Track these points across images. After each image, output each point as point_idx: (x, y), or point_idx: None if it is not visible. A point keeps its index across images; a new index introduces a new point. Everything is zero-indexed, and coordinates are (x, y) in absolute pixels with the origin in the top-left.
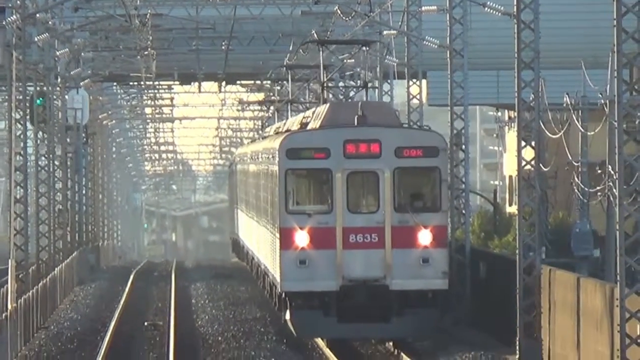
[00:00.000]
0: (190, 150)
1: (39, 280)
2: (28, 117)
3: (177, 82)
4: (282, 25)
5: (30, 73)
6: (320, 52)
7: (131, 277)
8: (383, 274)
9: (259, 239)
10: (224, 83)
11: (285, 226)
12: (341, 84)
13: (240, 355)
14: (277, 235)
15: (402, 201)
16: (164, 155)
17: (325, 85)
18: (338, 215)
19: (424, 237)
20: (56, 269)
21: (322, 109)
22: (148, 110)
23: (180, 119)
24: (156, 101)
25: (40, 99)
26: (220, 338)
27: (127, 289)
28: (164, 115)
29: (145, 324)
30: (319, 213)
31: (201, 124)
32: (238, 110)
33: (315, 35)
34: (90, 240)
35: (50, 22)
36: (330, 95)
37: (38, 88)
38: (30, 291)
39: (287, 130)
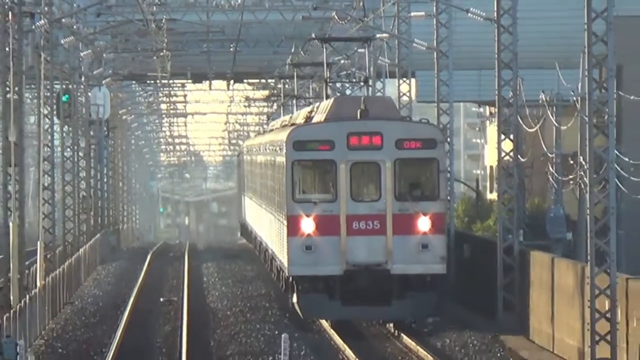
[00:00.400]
0: (201, 143)
1: (64, 260)
2: (55, 112)
3: (189, 81)
4: (285, 29)
5: (57, 72)
6: (324, 50)
7: (148, 257)
8: (384, 259)
9: (266, 225)
10: (232, 81)
11: (292, 214)
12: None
13: (247, 328)
14: (285, 222)
15: (402, 190)
16: (177, 147)
17: (327, 81)
18: (342, 203)
19: (423, 224)
20: (80, 249)
21: (327, 103)
22: (163, 106)
23: (192, 114)
24: (171, 98)
25: (66, 95)
26: (228, 312)
27: (144, 268)
28: (177, 111)
29: (161, 299)
30: (324, 201)
31: (211, 118)
32: (245, 106)
33: (311, 41)
34: (111, 224)
35: (75, 26)
36: (331, 91)
37: (64, 86)
38: (57, 270)
39: (293, 124)
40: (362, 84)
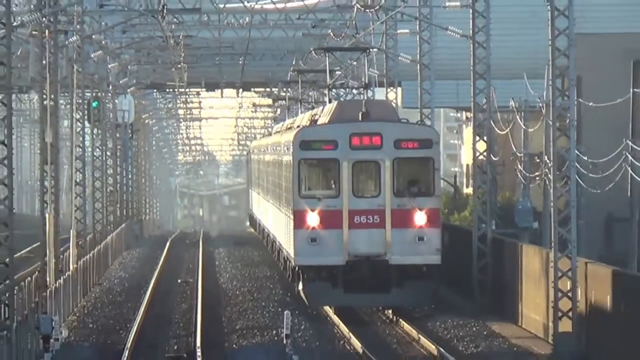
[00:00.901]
0: (214, 143)
1: (94, 246)
2: (86, 117)
3: (203, 89)
4: (287, 44)
5: (87, 82)
6: (326, 59)
7: (167, 244)
8: (384, 251)
9: (272, 217)
10: (241, 90)
11: (299, 208)
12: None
13: (254, 305)
14: (291, 216)
15: (400, 187)
16: (193, 147)
17: (329, 86)
18: (344, 199)
19: (420, 218)
20: (108, 237)
21: (331, 106)
22: (180, 111)
23: (206, 118)
24: (187, 104)
25: (96, 102)
26: (237, 292)
27: (164, 253)
28: (193, 116)
29: (179, 281)
30: (328, 197)
31: (223, 122)
32: (252, 111)
33: (313, 51)
34: (134, 215)
35: (103, 42)
36: (331, 96)
37: (94, 94)
38: (88, 255)
39: (298, 126)
40: (362, 89)
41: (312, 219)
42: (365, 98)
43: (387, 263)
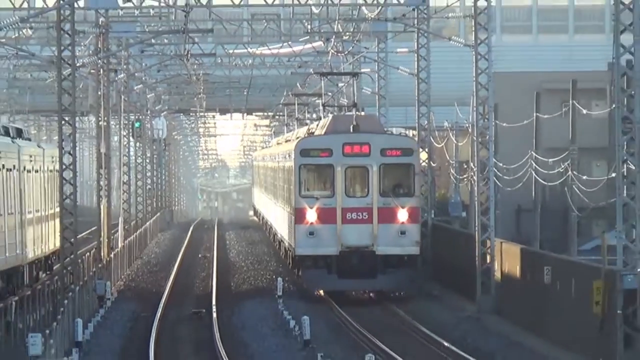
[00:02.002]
0: (225, 153)
1: (136, 229)
2: (131, 134)
3: (217, 113)
4: (280, 80)
5: (131, 108)
6: (322, 82)
7: (191, 228)
8: (371, 243)
9: (270, 210)
10: (245, 114)
11: (299, 206)
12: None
13: (255, 274)
14: (293, 213)
15: (385, 188)
16: (210, 156)
17: (324, 105)
18: (338, 198)
19: (402, 215)
20: (147, 223)
21: (326, 120)
22: (201, 129)
23: (219, 135)
24: (205, 124)
25: (138, 123)
26: (242, 264)
27: (188, 235)
28: (209, 133)
29: (199, 255)
30: (324, 197)
31: (232, 138)
32: (254, 129)
33: (299, 86)
34: (166, 206)
35: (143, 78)
36: (325, 113)
37: (136, 117)
38: (131, 236)
39: (297, 137)
40: (352, 107)
41: (311, 215)
42: (355, 114)
43: (374, 253)
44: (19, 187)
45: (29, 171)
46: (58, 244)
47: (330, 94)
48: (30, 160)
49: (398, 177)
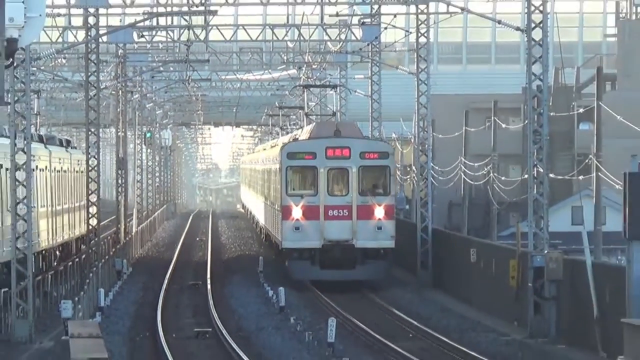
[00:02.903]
0: (218, 158)
1: (147, 218)
2: (143, 142)
3: (212, 126)
4: (262, 100)
5: (144, 121)
6: (305, 93)
7: (190, 217)
8: (351, 237)
9: (255, 204)
10: (234, 127)
11: (285, 204)
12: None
13: (242, 254)
14: (280, 210)
15: (364, 188)
16: (206, 160)
17: (307, 113)
18: (321, 197)
19: (379, 212)
20: (156, 213)
21: (310, 127)
22: (199, 139)
23: (213, 143)
24: (202, 135)
25: (149, 133)
26: (231, 246)
27: (188, 223)
28: (205, 141)
29: (197, 239)
30: (308, 195)
31: (223, 145)
32: (241, 139)
33: (277, 104)
34: (171, 200)
35: (153, 98)
36: (307, 121)
37: (148, 129)
38: (143, 223)
39: (282, 143)
40: (330, 116)
41: (296, 212)
42: (337, 121)
43: (354, 246)
44: (50, 184)
45: (58, 171)
46: (84, 229)
47: (312, 104)
48: (59, 162)
49: (375, 178)
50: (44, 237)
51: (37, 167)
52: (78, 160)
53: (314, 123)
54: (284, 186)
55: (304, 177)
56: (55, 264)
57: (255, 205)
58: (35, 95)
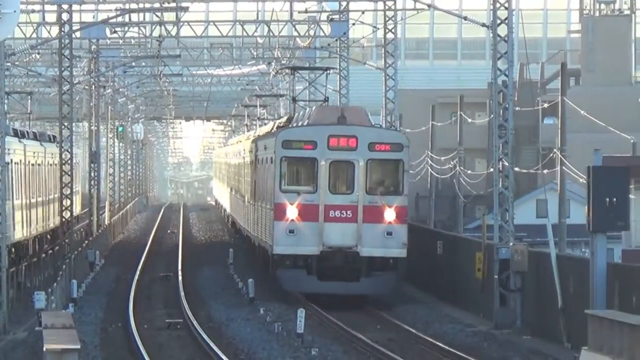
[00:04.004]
0: (189, 151)
1: (119, 210)
2: (115, 136)
3: (183, 120)
4: (232, 95)
5: (116, 115)
6: (293, 77)
7: (162, 210)
8: (355, 243)
9: (227, 199)
10: (204, 121)
11: (279, 202)
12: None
13: (212, 245)
14: (272, 208)
15: (372, 185)
16: (177, 154)
17: (294, 99)
18: (321, 194)
19: (389, 214)
20: (127, 205)
21: (309, 111)
22: (170, 133)
23: (185, 137)
24: (174, 129)
25: (121, 127)
26: (202, 237)
27: (160, 215)
28: (177, 135)
29: (168, 231)
30: (306, 192)
31: (194, 139)
32: (212, 133)
33: (247, 99)
34: (143, 193)
35: (125, 92)
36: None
37: (120, 123)
38: (116, 216)
39: (261, 133)
40: (323, 102)
41: (291, 212)
42: (342, 105)
43: (358, 254)
44: (24, 177)
45: (32, 165)
46: (58, 222)
47: (299, 88)
48: (34, 156)
49: (386, 173)
50: (18, 229)
51: (11, 160)
52: (52, 154)
53: (315, 107)
54: (277, 180)
55: (301, 170)
56: (29, 255)
57: (234, 202)
58: (29, 97)
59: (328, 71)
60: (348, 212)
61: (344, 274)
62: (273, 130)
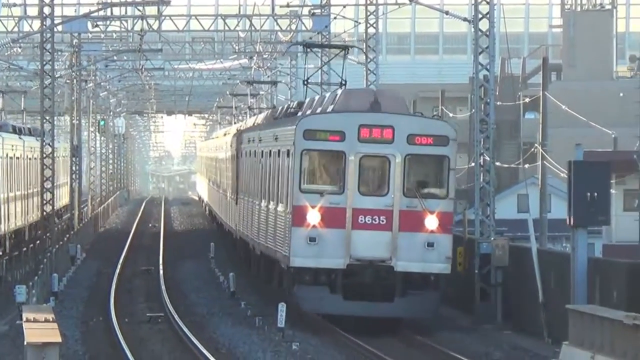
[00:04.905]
0: (170, 146)
1: (101, 204)
2: (97, 130)
3: (165, 114)
4: (213, 89)
5: (98, 109)
6: (305, 55)
7: (144, 203)
8: (389, 255)
9: (210, 194)
10: (186, 115)
11: (298, 204)
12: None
13: (193, 239)
14: (290, 212)
15: (411, 186)
16: (159, 148)
17: (306, 82)
18: (349, 196)
19: (431, 222)
20: (109, 199)
21: (334, 95)
22: (152, 127)
23: (166, 131)
24: (155, 123)
25: (103, 121)
26: (183, 232)
27: (141, 209)
28: (158, 129)
29: (150, 225)
30: (331, 193)
31: (175, 134)
32: (193, 127)
33: (228, 93)
34: (125, 187)
35: (107, 86)
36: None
37: (102, 116)
38: (98, 209)
39: (252, 127)
40: (339, 87)
41: (313, 216)
42: (374, 89)
43: (392, 269)
44: (3, 171)
45: (11, 158)
46: (38, 216)
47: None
48: (12, 149)
49: (428, 172)
50: None
51: None
52: (31, 147)
53: (341, 90)
54: (297, 178)
55: (325, 166)
56: (8, 249)
57: (227, 204)
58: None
59: (346, 51)
60: (381, 218)
61: (374, 293)
62: (279, 118)
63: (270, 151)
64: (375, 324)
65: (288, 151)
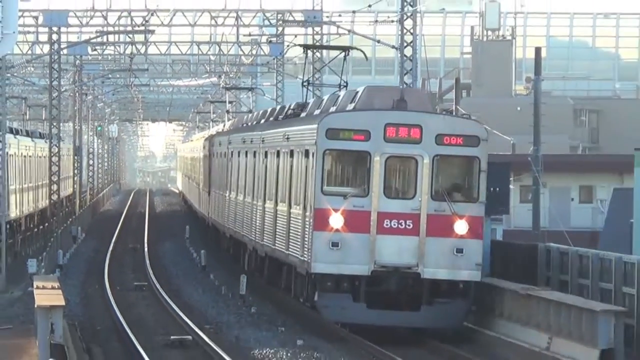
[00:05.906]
0: (155, 147)
1: (97, 194)
2: (95, 134)
3: (150, 122)
4: (190, 102)
5: (96, 117)
6: (305, 55)
7: (132, 194)
8: (416, 262)
9: (191, 191)
10: (167, 122)
11: (320, 207)
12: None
13: (172, 223)
14: (311, 215)
15: (439, 189)
16: (144, 149)
17: (306, 83)
18: (374, 199)
19: (460, 226)
20: (104, 190)
21: (355, 92)
22: (139, 132)
23: (151, 135)
24: (142, 129)
25: (100, 127)
26: (164, 216)
27: (130, 198)
28: (145, 134)
29: (137, 210)
30: (355, 196)
31: (159, 137)
32: (173, 132)
33: (208, 103)
34: (116, 180)
35: (103, 99)
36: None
37: (99, 123)
38: (94, 198)
39: (237, 128)
40: (342, 87)
41: (336, 220)
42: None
43: (419, 276)
44: (19, 166)
45: (25, 156)
46: (46, 203)
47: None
48: (26, 149)
49: (457, 174)
50: (13, 209)
51: (7, 153)
52: (41, 148)
53: (364, 87)
54: (319, 180)
55: (349, 167)
56: (22, 230)
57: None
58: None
59: (347, 52)
60: (408, 223)
61: (400, 301)
62: (279, 119)
63: (266, 152)
64: (399, 333)
65: (307, 151)
